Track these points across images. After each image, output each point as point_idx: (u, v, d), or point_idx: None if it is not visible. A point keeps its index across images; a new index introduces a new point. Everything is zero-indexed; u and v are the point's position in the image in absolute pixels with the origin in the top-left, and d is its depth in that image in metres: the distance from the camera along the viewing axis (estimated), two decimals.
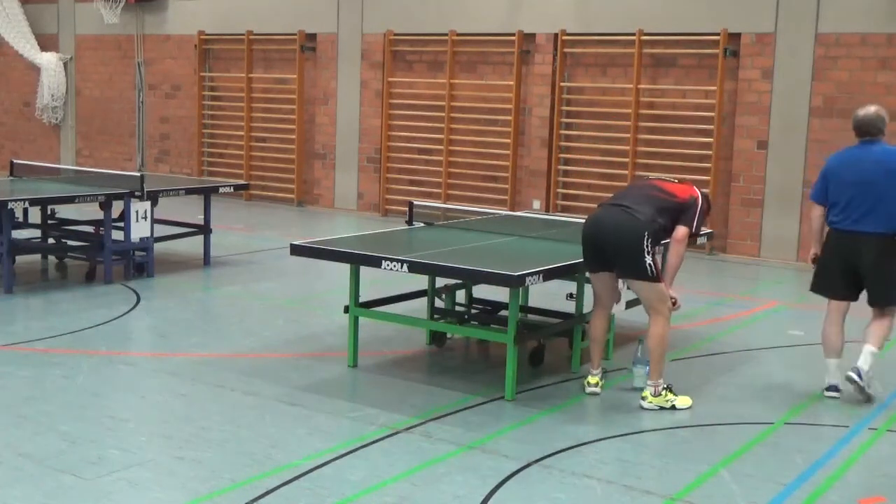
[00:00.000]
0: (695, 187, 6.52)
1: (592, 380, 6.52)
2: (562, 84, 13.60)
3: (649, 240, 6.12)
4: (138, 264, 9.79)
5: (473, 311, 7.92)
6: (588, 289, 6.79)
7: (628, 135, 12.98)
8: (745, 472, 5.25)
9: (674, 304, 6.38)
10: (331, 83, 15.74)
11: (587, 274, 6.61)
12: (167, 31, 17.61)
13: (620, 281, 6.52)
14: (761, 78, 12.20)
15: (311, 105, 16.08)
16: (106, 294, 9.08)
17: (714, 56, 12.45)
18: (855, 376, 6.39)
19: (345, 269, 7.01)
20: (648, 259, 6.12)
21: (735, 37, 12.35)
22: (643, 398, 6.26)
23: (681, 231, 6.30)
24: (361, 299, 6.94)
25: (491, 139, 14.31)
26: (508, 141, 14.06)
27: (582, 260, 6.46)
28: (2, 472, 4.90)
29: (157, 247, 10.06)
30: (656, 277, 6.18)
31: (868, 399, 6.46)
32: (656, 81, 13.01)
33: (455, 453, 5.37)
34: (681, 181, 6.62)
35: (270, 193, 16.54)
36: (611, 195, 6.89)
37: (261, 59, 16.60)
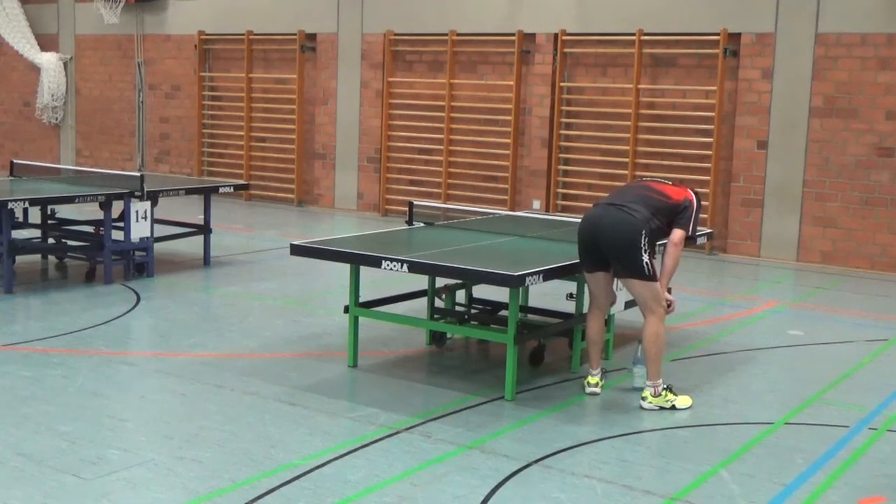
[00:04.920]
0: (689, 190, 6.52)
1: (592, 380, 6.52)
2: (562, 84, 13.60)
3: (646, 238, 6.13)
4: (138, 264, 9.79)
5: (473, 311, 7.91)
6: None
7: (628, 135, 12.99)
8: (745, 472, 5.25)
9: (668, 306, 6.38)
10: (331, 83, 15.74)
11: (583, 271, 6.61)
12: (167, 31, 17.61)
13: (616, 282, 6.53)
14: (761, 78, 12.20)
15: (311, 105, 16.08)
16: (106, 294, 9.08)
17: (714, 56, 12.46)
18: None
19: (345, 269, 7.01)
20: (645, 258, 6.12)
21: (735, 37, 12.35)
22: (643, 398, 6.25)
23: (677, 234, 6.30)
24: (361, 299, 6.95)
25: (491, 139, 14.31)
26: (508, 141, 14.06)
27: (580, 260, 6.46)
28: (2, 472, 4.90)
29: (157, 247, 10.07)
30: (652, 276, 6.18)
31: None
32: (656, 81, 13.01)
33: (455, 453, 5.37)
34: (675, 183, 6.62)
35: (270, 193, 16.54)
36: (606, 195, 6.87)
37: (261, 59, 16.60)
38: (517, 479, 5.05)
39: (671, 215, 6.32)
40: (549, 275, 6.33)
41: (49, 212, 10.34)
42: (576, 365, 7.04)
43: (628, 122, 12.98)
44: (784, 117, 12.09)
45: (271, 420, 5.81)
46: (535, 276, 6.10)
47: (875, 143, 11.58)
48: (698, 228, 6.59)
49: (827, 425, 6.07)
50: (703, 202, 11.76)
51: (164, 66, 17.76)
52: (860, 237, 11.78)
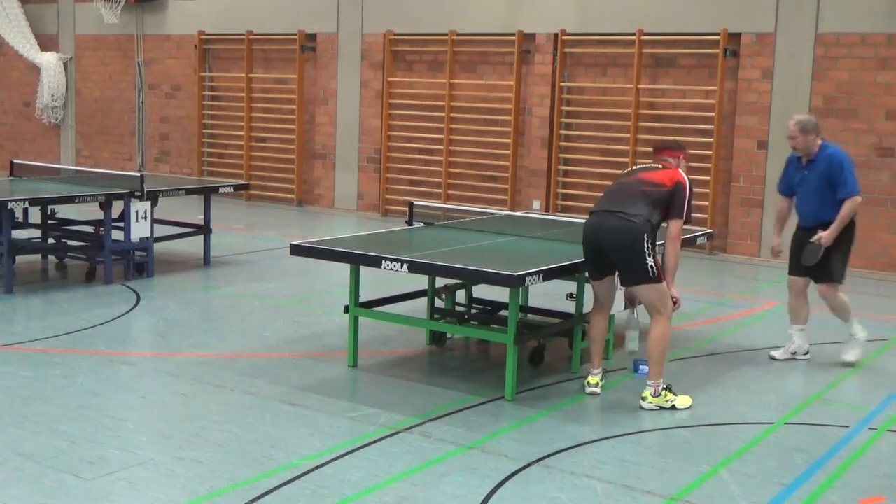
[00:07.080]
0: (680, 170, 6.49)
1: (592, 380, 6.52)
2: (562, 84, 13.60)
3: (648, 241, 6.12)
4: (138, 264, 9.78)
5: (473, 311, 7.92)
6: (588, 288, 6.79)
7: (628, 135, 12.98)
8: (745, 472, 5.25)
9: (675, 303, 6.38)
10: (331, 83, 15.74)
11: (590, 279, 6.61)
12: (167, 31, 17.61)
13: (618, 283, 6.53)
14: (761, 78, 12.20)
15: (311, 105, 16.08)
16: (106, 294, 9.08)
17: (714, 56, 12.45)
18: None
19: (345, 269, 7.01)
20: (650, 261, 6.12)
21: (735, 37, 12.35)
22: (643, 398, 6.25)
23: (674, 228, 6.28)
24: (361, 299, 6.95)
25: (491, 139, 14.31)
26: (508, 141, 14.06)
27: (582, 260, 6.46)
28: (2, 472, 4.90)
29: (157, 247, 10.06)
30: (658, 277, 6.18)
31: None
32: (656, 81, 13.01)
33: (455, 453, 5.37)
34: (665, 166, 6.59)
35: (270, 193, 16.54)
36: (601, 196, 6.74)
37: (261, 59, 16.60)
38: (517, 479, 5.05)
39: (667, 204, 6.30)
40: (549, 275, 6.34)
41: (49, 212, 10.34)
42: (576, 365, 7.04)
43: (628, 122, 12.98)
44: (784, 117, 12.03)
45: (271, 420, 5.81)
46: (535, 276, 6.10)
47: (875, 143, 11.57)
48: (692, 215, 6.55)
49: (827, 425, 6.07)
50: (703, 202, 11.84)
51: (164, 66, 17.76)
52: (860, 237, 11.66)
